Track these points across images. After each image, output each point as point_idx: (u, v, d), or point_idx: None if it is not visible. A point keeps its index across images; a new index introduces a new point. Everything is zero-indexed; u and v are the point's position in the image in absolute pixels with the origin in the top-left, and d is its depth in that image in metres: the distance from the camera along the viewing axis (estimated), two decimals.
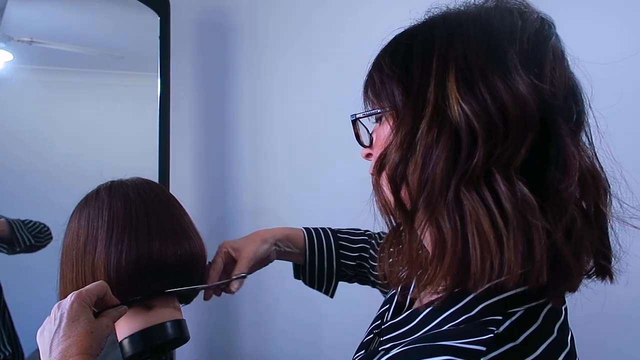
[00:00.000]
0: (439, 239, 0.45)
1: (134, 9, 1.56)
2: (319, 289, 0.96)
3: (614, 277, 0.50)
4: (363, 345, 0.63)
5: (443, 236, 0.45)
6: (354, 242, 0.96)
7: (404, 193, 0.48)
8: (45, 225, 1.46)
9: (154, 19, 1.57)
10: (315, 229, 0.95)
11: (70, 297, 0.63)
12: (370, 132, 0.56)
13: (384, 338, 0.54)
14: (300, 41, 1.54)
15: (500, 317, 0.45)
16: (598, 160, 0.49)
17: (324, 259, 0.93)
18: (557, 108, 0.45)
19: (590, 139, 0.49)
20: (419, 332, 0.50)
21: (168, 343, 0.77)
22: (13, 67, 1.59)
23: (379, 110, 0.52)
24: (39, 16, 1.66)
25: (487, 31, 0.47)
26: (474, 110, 0.44)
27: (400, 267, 0.56)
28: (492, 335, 0.43)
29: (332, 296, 0.96)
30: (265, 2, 1.62)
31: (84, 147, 1.65)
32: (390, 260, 0.56)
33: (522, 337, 0.44)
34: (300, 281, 0.96)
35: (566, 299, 0.53)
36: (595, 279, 0.50)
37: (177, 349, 0.84)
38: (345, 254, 0.94)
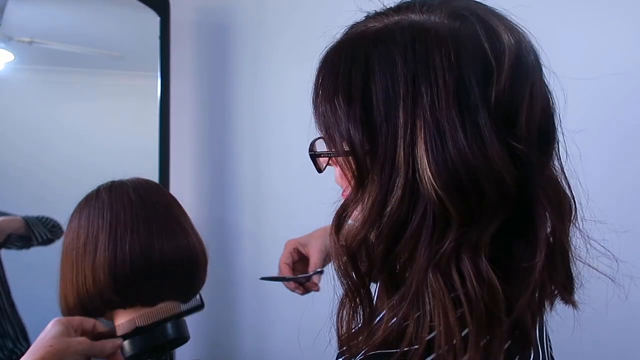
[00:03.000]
0: (401, 323, 0.41)
1: (133, 9, 1.56)
2: None
3: (577, 306, 0.47)
4: None
5: (404, 321, 0.41)
6: None
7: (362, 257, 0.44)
8: (54, 220, 1.46)
9: (154, 19, 1.57)
10: None
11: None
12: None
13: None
14: (300, 41, 1.54)
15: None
16: (567, 180, 0.45)
17: None
18: (534, 175, 0.41)
19: (559, 158, 0.45)
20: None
21: (168, 343, 0.77)
22: (13, 67, 1.59)
23: (335, 152, 0.45)
24: (39, 16, 1.66)
25: (458, 76, 0.39)
26: (449, 190, 0.38)
27: (357, 334, 0.48)
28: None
29: None
30: (264, 2, 1.62)
31: (84, 147, 1.65)
32: (346, 323, 0.49)
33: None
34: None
35: None
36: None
37: (177, 349, 0.84)
38: None
